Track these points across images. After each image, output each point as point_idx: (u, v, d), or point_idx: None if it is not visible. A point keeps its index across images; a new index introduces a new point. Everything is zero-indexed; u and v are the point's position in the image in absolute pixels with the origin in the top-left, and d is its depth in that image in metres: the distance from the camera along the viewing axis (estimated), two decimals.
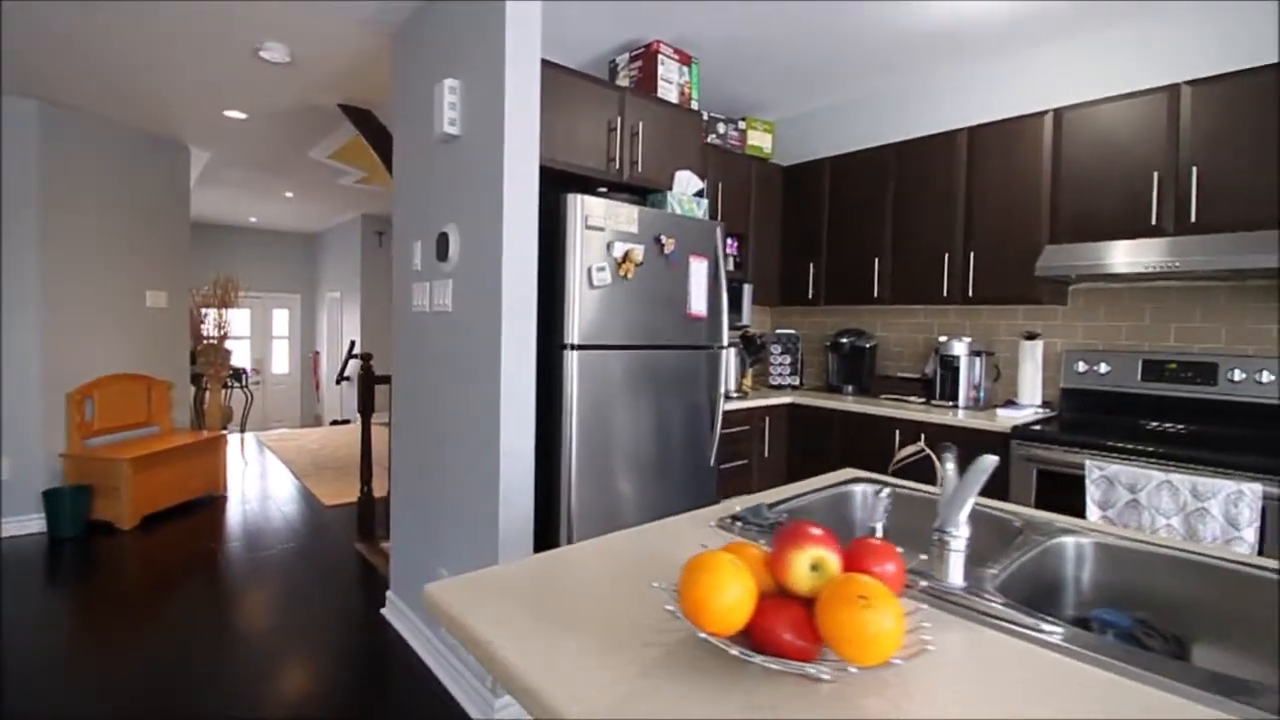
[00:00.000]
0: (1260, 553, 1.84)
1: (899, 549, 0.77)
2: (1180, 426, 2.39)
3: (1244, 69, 2.23)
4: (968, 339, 2.90)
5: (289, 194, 6.69)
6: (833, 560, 0.68)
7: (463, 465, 2.20)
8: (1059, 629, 0.76)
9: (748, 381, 3.35)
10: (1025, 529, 1.16)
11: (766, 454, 3.04)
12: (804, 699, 0.62)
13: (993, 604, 0.81)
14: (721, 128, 3.43)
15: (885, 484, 1.44)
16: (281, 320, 9.30)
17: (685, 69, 2.82)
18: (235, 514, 4.16)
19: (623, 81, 2.82)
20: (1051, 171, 2.65)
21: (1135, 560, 1.08)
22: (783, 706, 0.61)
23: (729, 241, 3.37)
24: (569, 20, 2.72)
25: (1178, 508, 1.93)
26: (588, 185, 2.46)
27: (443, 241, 2.26)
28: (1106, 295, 2.76)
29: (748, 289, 3.30)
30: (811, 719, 0.59)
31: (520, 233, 2.03)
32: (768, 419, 3.07)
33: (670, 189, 2.63)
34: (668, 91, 2.74)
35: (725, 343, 2.60)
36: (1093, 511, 2.08)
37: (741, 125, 3.57)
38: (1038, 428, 2.36)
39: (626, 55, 2.84)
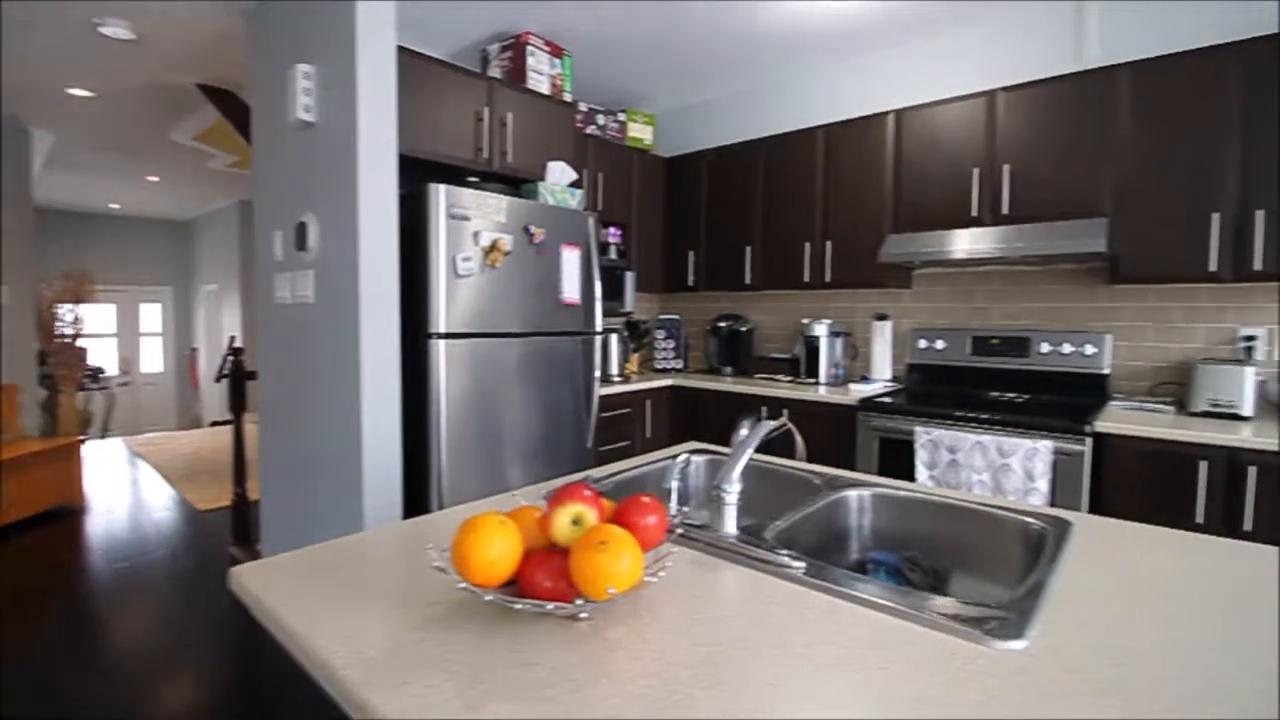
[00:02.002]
0: (1052, 500, 2.14)
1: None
2: (996, 394, 2.71)
3: (1044, 78, 2.54)
4: (828, 321, 3.13)
5: (153, 178, 6.19)
6: (590, 514, 0.77)
7: (328, 459, 2.18)
8: (801, 564, 0.89)
9: (632, 366, 3.46)
10: (823, 486, 1.31)
11: (649, 434, 3.17)
12: (563, 634, 0.71)
13: (750, 547, 0.93)
14: (601, 119, 3.50)
15: (716, 454, 1.58)
16: (152, 315, 8.59)
17: (557, 61, 2.86)
18: (97, 526, 3.86)
19: (494, 72, 2.83)
20: (894, 167, 2.90)
21: (905, 507, 1.26)
22: (543, 641, 0.70)
23: (612, 230, 3.46)
24: (438, 8, 2.69)
25: (988, 465, 2.21)
26: (457, 175, 2.46)
27: (301, 231, 2.21)
28: (943, 279, 3.06)
29: (630, 276, 3.40)
30: (565, 650, 0.68)
31: (379, 222, 2.02)
32: (649, 401, 3.20)
33: (543, 179, 2.68)
34: (539, 83, 2.77)
35: (599, 329, 2.69)
36: (921, 471, 2.33)
37: (622, 117, 3.66)
38: (882, 400, 2.61)
39: (497, 45, 2.84)
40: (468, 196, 2.23)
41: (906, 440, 2.42)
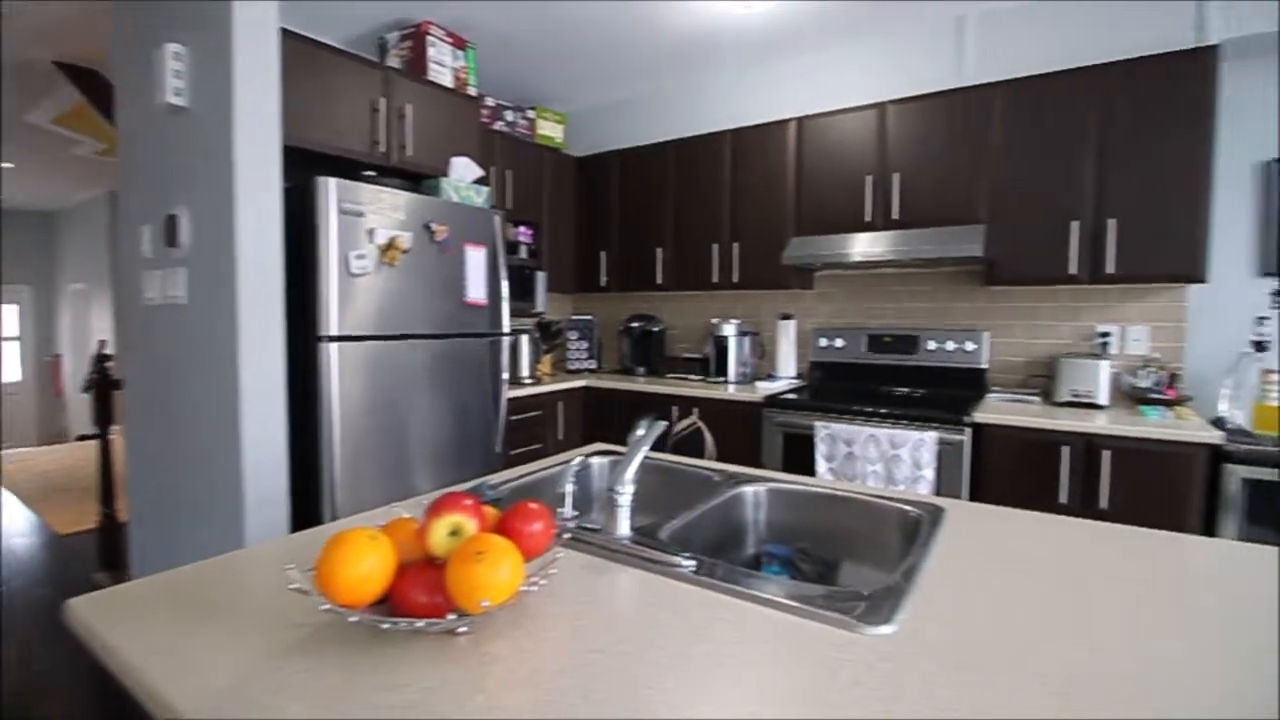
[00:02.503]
0: (937, 487, 2.28)
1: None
2: (889, 389, 2.87)
3: (928, 93, 2.70)
4: (737, 321, 3.21)
5: (7, 164, 5.52)
6: (470, 524, 0.74)
7: (205, 475, 2.01)
8: (691, 563, 0.89)
9: (544, 367, 3.42)
10: (723, 483, 1.34)
11: (561, 436, 3.14)
12: (440, 652, 0.68)
13: (643, 548, 0.93)
14: (510, 116, 3.43)
15: (621, 454, 1.57)
16: (9, 317, 7.67)
17: (460, 53, 2.78)
18: None
19: (392, 62, 2.71)
20: (795, 172, 3.01)
21: (798, 500, 1.30)
22: (417, 661, 0.66)
23: (522, 229, 3.40)
24: None
25: (880, 456, 2.33)
26: (352, 169, 2.34)
27: (172, 225, 2.02)
28: (842, 280, 3.21)
29: (541, 276, 3.35)
30: (440, 668, 0.64)
31: (260, 216, 1.88)
32: (562, 402, 3.16)
33: (446, 175, 2.59)
34: (441, 75, 2.68)
35: (507, 329, 2.63)
36: (821, 464, 2.43)
37: (531, 114, 3.60)
38: (785, 397, 2.70)
39: (396, 34, 2.73)
40: (362, 191, 2.12)
41: (808, 435, 2.52)
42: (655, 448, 1.92)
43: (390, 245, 2.15)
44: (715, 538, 1.22)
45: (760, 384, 3.01)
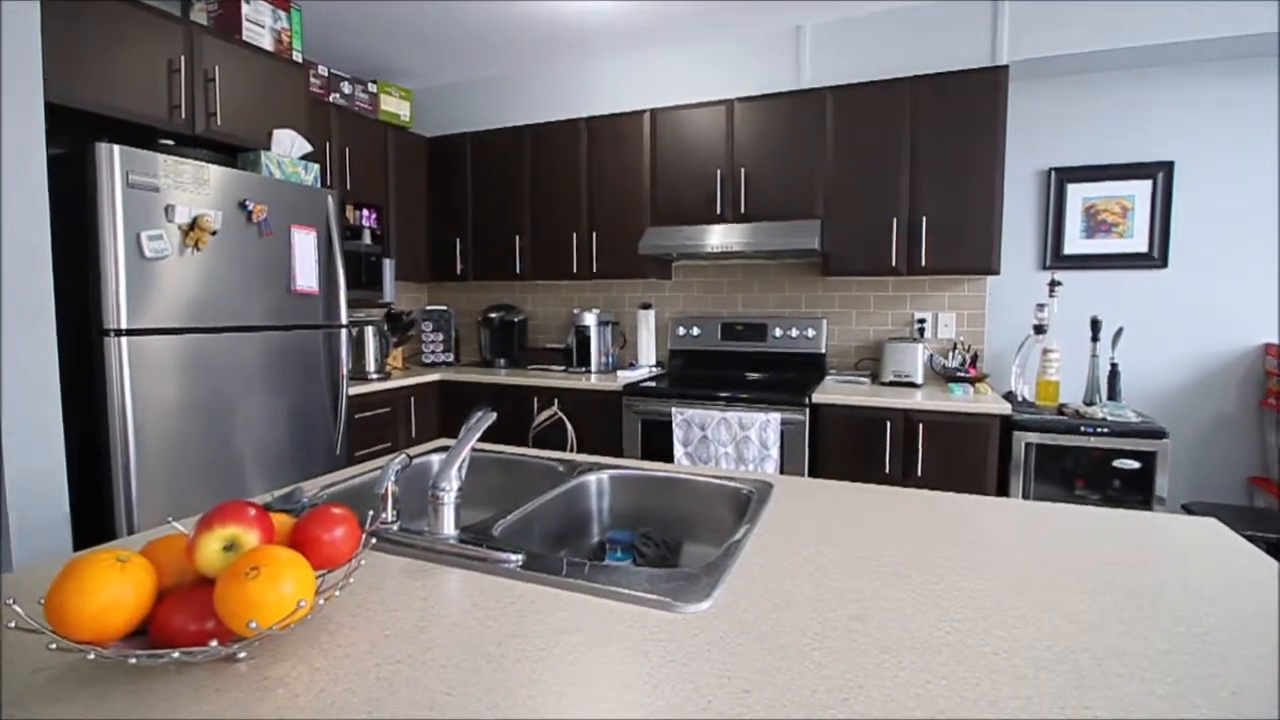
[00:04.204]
0: (782, 464, 2.42)
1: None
2: (741, 374, 3.01)
3: (770, 93, 2.85)
4: (598, 310, 3.21)
5: None
6: (250, 536, 0.66)
7: None
8: (518, 558, 0.86)
9: (395, 361, 3.21)
10: (567, 472, 1.31)
11: (415, 433, 2.97)
12: (214, 683, 0.59)
13: (468, 547, 0.89)
14: (347, 88, 3.16)
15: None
16: None
17: (283, 14, 2.50)
18: None
19: (199, 17, 2.38)
20: (651, 163, 3.05)
21: (640, 486, 1.31)
22: (183, 696, 0.57)
23: (365, 213, 3.15)
24: None
25: (732, 438, 2.43)
26: (149, 137, 2.03)
27: None
28: (697, 270, 3.32)
29: (389, 264, 3.14)
30: (209, 702, 0.56)
31: (21, 185, 1.57)
32: (414, 398, 2.99)
33: (268, 149, 2.33)
34: (258, 36, 2.40)
35: (345, 320, 2.43)
36: (678, 449, 2.49)
37: (373, 88, 3.35)
38: (643, 385, 2.74)
39: None
40: (158, 162, 1.84)
41: (666, 421, 2.57)
42: (515, 440, 1.88)
43: (195, 225, 1.89)
44: (558, 529, 1.20)
45: (621, 373, 3.03)
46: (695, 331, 3.18)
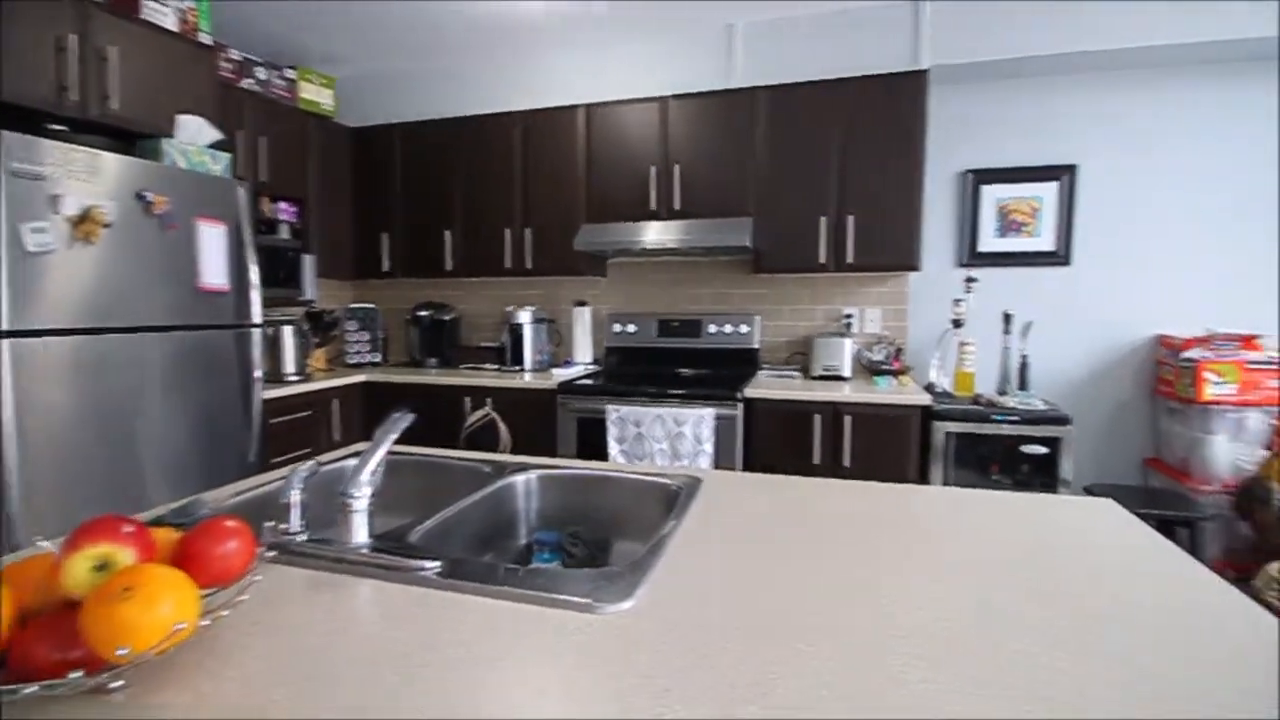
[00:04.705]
0: (716, 458, 2.45)
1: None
2: (677, 371, 3.03)
3: (703, 91, 2.87)
4: (532, 308, 3.16)
5: None
6: (125, 554, 0.60)
7: None
8: (435, 565, 0.82)
9: (317, 362, 3.06)
10: (493, 473, 1.28)
11: (338, 437, 2.84)
12: (91, 712, 0.54)
13: (382, 555, 0.85)
14: (262, 73, 2.99)
15: (396, 454, 1.44)
16: None
17: None
18: None
19: None
20: (585, 159, 3.02)
21: (569, 485, 1.29)
22: None
23: (283, 206, 2.99)
24: None
25: (666, 434, 2.44)
26: (32, 121, 1.86)
27: None
28: (633, 267, 3.31)
29: (310, 260, 2.99)
30: None
31: None
32: (338, 400, 2.86)
33: (171, 136, 2.17)
34: (160, 15, 2.23)
35: (259, 320, 2.30)
36: (613, 447, 2.48)
37: (291, 75, 3.18)
38: (578, 382, 2.72)
39: None
40: (43, 148, 1.69)
41: (601, 419, 2.56)
42: (446, 443, 1.81)
43: (85, 217, 1.74)
44: (483, 532, 1.17)
45: (557, 371, 2.99)
46: (631, 328, 3.18)
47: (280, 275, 2.84)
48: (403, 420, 0.96)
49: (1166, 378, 2.61)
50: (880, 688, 0.58)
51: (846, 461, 2.41)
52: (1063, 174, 2.81)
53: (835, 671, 0.61)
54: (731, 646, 0.65)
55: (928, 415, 2.39)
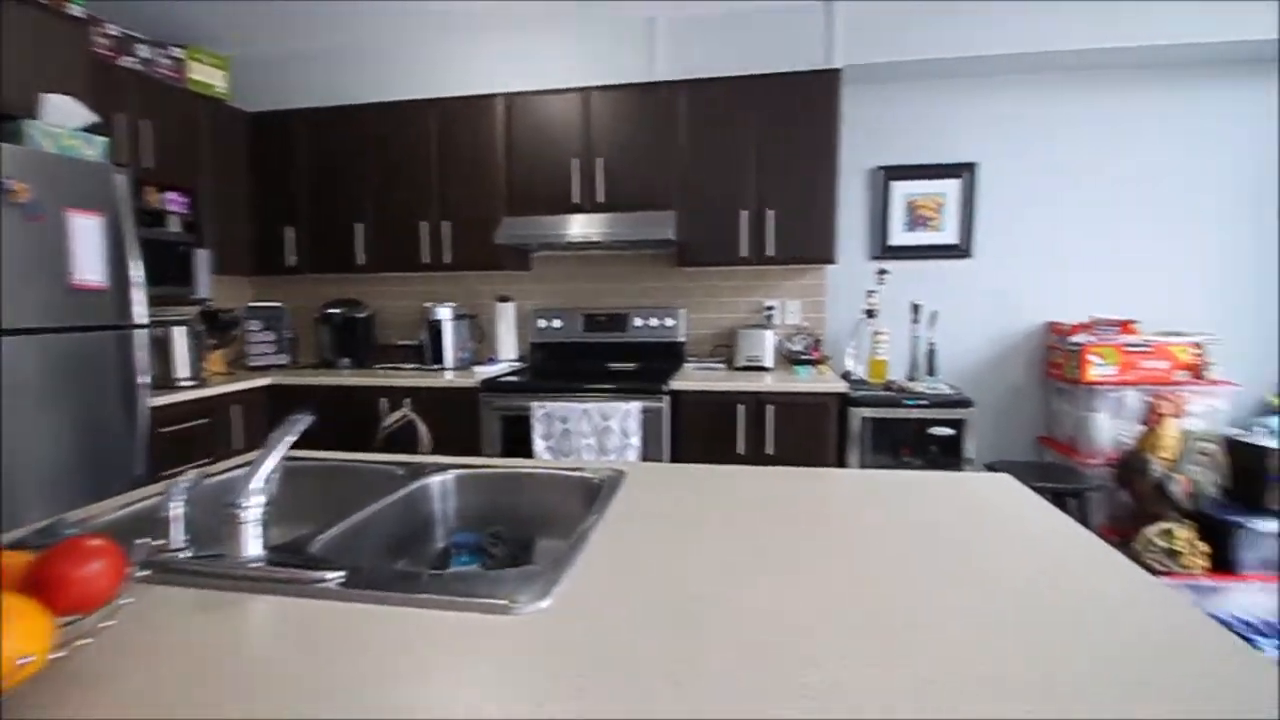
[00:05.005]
0: (644, 451, 2.45)
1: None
2: (603, 365, 3.01)
3: (626, 83, 2.85)
4: (453, 304, 3.05)
5: None
6: None
7: None
8: (338, 575, 0.77)
9: (215, 365, 2.85)
10: (406, 475, 1.22)
11: (240, 445, 2.65)
12: None
13: (278, 569, 0.78)
14: (145, 51, 2.74)
15: (298, 460, 1.35)
16: None
17: None
18: None
19: None
20: (506, 150, 2.94)
21: (489, 484, 1.25)
22: None
23: (172, 196, 2.76)
24: None
25: (593, 429, 2.42)
26: None
27: None
28: (558, 261, 3.26)
29: (204, 255, 2.76)
30: None
31: None
32: (240, 406, 2.66)
33: (34, 117, 1.95)
34: None
35: (142, 319, 2.10)
36: (539, 444, 2.44)
37: (178, 53, 2.92)
38: (502, 380, 2.65)
39: None
40: None
41: (527, 416, 2.50)
42: (363, 447, 1.72)
43: None
44: (395, 538, 1.11)
45: (479, 369, 2.90)
46: (556, 323, 3.13)
47: (170, 272, 2.61)
48: (300, 422, 0.89)
49: (1056, 361, 2.81)
50: (799, 671, 0.58)
51: (770, 449, 2.47)
52: (964, 172, 2.97)
53: (754, 658, 0.60)
54: (649, 640, 0.64)
55: (845, 402, 2.48)
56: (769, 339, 2.82)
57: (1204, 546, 2.24)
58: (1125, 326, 2.66)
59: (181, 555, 0.82)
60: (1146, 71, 2.79)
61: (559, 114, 2.90)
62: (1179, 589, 2.16)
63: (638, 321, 3.06)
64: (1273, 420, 2.36)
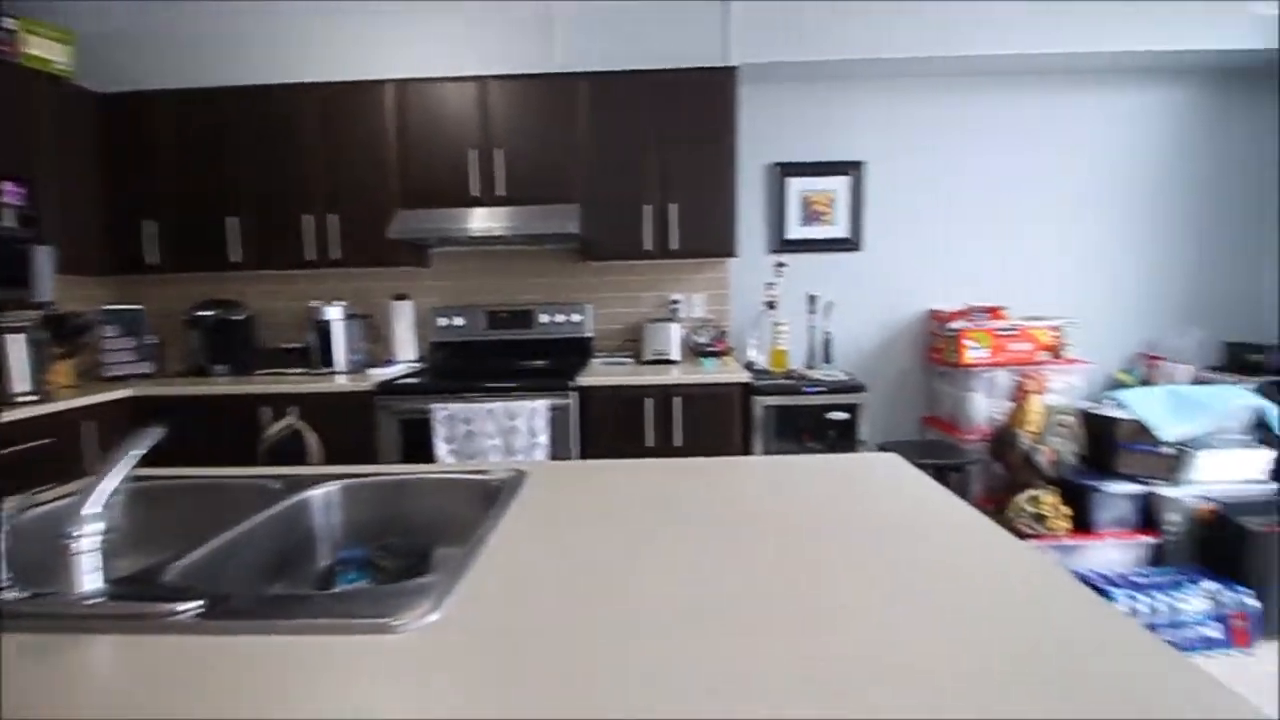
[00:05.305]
0: (552, 449, 2.40)
1: None
2: (508, 363, 2.93)
3: (525, 73, 2.78)
4: (344, 303, 2.87)
5: None
6: None
7: None
8: (195, 605, 0.69)
9: (61, 377, 2.52)
10: (284, 490, 1.12)
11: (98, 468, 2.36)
12: None
13: (122, 604, 0.69)
14: None
15: (151, 479, 1.20)
16: None
17: None
18: None
19: None
20: (398, 139, 2.79)
21: (379, 493, 1.17)
22: None
23: (7, 187, 2.41)
24: None
25: (499, 430, 2.35)
26: None
27: None
28: (458, 257, 3.14)
29: (43, 252, 2.43)
30: None
31: None
32: (93, 423, 2.37)
33: None
34: None
35: None
36: (441, 448, 2.34)
37: (10, 24, 2.56)
38: (399, 382, 2.52)
39: None
40: None
41: (427, 419, 2.39)
42: (244, 461, 1.56)
43: None
44: (272, 559, 1.01)
45: (375, 371, 2.74)
46: (459, 321, 3.02)
47: (4, 272, 2.29)
48: (147, 437, 0.79)
49: (937, 346, 3.03)
50: (695, 668, 0.58)
51: (678, 441, 2.49)
52: (852, 169, 3.13)
53: (649, 659, 0.59)
54: (543, 649, 0.61)
55: (748, 392, 2.55)
56: (675, 332, 2.85)
57: (1066, 510, 2.48)
58: (995, 313, 2.89)
59: (4, 596, 0.70)
60: (1018, 78, 3.04)
61: (454, 103, 2.78)
62: (1045, 550, 2.39)
63: (544, 318, 3.01)
64: (1120, 394, 2.65)
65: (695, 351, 2.95)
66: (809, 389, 2.56)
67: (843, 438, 2.57)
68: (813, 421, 2.58)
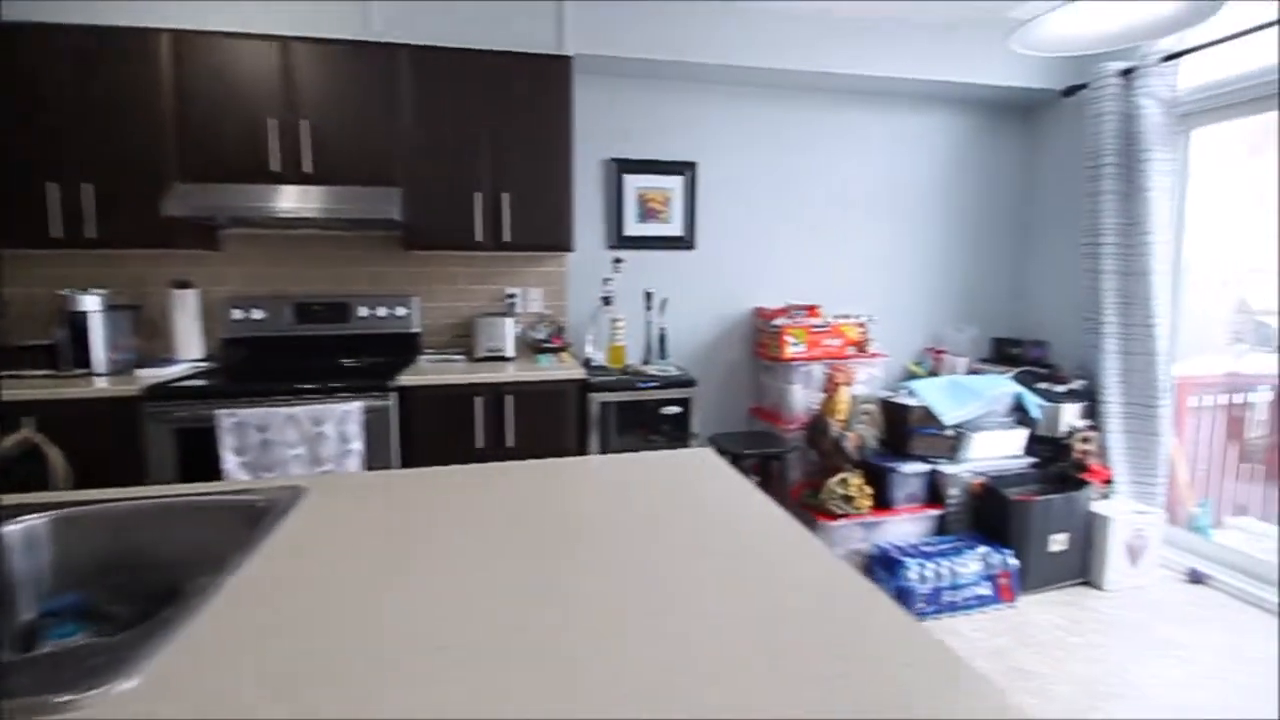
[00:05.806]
0: (368, 459, 2.19)
1: None
2: (319, 362, 2.64)
3: (336, 39, 2.49)
4: (105, 291, 2.40)
5: None
6: None
7: None
8: None
9: None
10: None
11: None
12: None
13: None
14: None
15: None
16: None
17: None
18: None
19: None
20: (175, 101, 2.38)
21: (111, 523, 0.96)
22: None
23: None
24: None
25: (302, 437, 2.09)
26: None
27: None
28: (258, 241, 2.76)
29: None
30: None
31: None
32: None
33: None
34: None
35: None
36: (230, 461, 2.03)
37: None
38: (177, 385, 2.15)
39: None
40: None
41: (212, 428, 2.06)
42: None
43: None
44: None
45: (147, 372, 2.32)
46: (257, 314, 2.65)
47: None
48: None
49: (763, 341, 3.21)
50: (470, 703, 0.50)
51: (510, 441, 2.39)
52: (686, 169, 3.21)
53: (406, 705, 0.51)
54: (270, 712, 0.50)
55: (585, 388, 2.51)
56: (509, 327, 2.74)
57: (869, 490, 2.74)
58: (812, 310, 3.12)
59: None
60: (830, 95, 3.29)
61: (250, 64, 2.43)
62: (837, 529, 2.62)
63: (363, 311, 2.74)
64: (912, 383, 2.98)
65: (532, 348, 2.85)
66: (643, 384, 2.58)
67: (676, 431, 2.62)
68: (649, 416, 2.61)
